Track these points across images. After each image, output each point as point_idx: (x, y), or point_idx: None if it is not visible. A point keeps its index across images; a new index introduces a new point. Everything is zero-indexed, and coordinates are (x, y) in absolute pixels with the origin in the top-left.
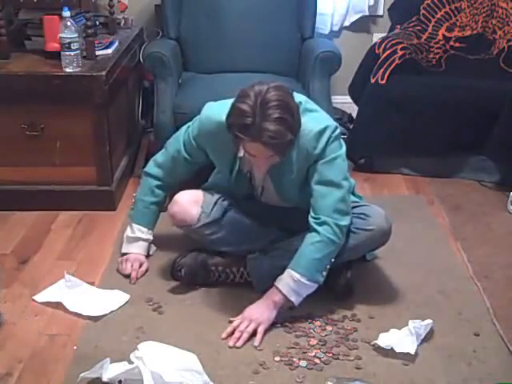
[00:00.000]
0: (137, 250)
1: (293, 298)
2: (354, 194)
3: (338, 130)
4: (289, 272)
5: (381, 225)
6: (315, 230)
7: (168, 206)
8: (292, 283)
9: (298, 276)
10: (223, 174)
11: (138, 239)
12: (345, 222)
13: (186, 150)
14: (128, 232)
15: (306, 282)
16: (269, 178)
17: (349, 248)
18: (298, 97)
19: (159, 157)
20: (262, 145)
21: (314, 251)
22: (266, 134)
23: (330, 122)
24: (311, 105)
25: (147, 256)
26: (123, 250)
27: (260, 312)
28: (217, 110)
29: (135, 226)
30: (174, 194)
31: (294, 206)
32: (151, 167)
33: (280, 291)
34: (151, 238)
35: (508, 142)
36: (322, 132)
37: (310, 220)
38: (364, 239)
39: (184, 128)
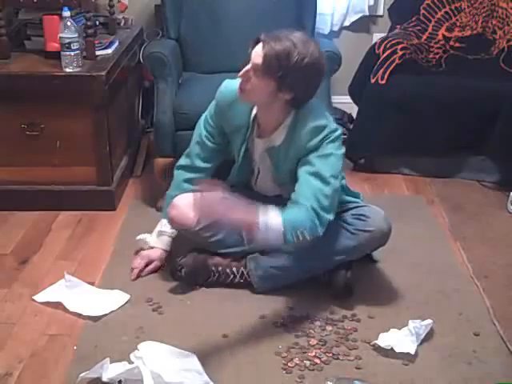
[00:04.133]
0: (158, 243)
1: (260, 233)
2: (348, 192)
3: (339, 132)
4: (277, 214)
5: (380, 226)
6: (291, 206)
7: (167, 210)
8: (273, 222)
9: (280, 221)
10: (233, 156)
11: (162, 233)
12: (325, 214)
13: (207, 131)
14: (158, 226)
15: (279, 229)
16: (267, 156)
17: (348, 249)
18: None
19: (188, 149)
20: (262, 47)
21: (292, 212)
22: (276, 43)
23: (332, 123)
24: (321, 104)
25: (168, 252)
26: (149, 244)
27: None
28: (235, 81)
29: (163, 220)
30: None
31: None
32: (181, 160)
33: (259, 216)
34: (175, 233)
35: (508, 142)
36: (319, 128)
37: (288, 203)
38: (363, 240)
39: (204, 113)
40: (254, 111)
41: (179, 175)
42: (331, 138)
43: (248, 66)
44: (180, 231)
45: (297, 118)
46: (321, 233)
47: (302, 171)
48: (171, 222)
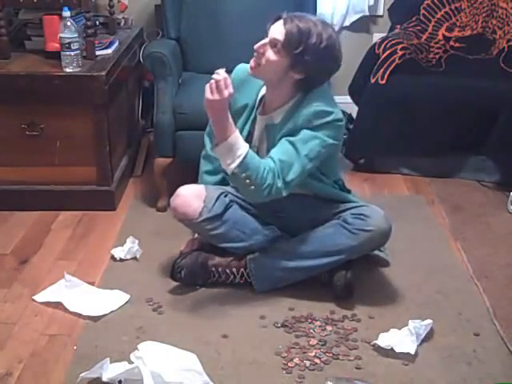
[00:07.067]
0: None
1: (224, 146)
2: (343, 188)
3: (342, 123)
4: (246, 145)
5: (380, 225)
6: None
7: (170, 199)
8: (239, 146)
9: (244, 151)
10: None
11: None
12: (279, 184)
13: None
14: None
15: (238, 155)
16: (265, 136)
17: (348, 249)
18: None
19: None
20: (283, 25)
21: (256, 157)
22: (299, 21)
23: (339, 112)
24: (330, 93)
25: None
26: None
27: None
28: (248, 65)
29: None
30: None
31: (294, 205)
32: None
33: (233, 134)
34: None
35: (508, 142)
36: (326, 113)
37: None
38: (363, 240)
39: None
40: (262, 92)
41: (201, 166)
42: (333, 125)
43: (265, 40)
44: (182, 223)
45: (302, 100)
46: (263, 196)
47: (284, 138)
48: (174, 211)
